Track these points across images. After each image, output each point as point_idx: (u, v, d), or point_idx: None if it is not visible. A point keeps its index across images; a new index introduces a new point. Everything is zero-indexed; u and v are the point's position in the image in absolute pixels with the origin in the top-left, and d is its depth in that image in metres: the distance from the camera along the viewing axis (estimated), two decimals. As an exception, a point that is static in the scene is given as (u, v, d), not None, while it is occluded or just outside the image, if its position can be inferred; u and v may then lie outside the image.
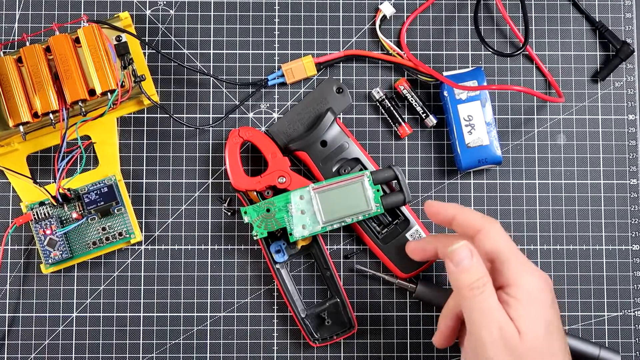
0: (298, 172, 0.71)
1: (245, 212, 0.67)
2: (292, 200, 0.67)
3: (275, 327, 0.71)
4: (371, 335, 0.71)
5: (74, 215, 0.68)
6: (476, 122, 0.70)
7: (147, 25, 0.73)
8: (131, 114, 0.72)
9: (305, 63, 0.72)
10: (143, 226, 0.71)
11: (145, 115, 0.72)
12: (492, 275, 0.58)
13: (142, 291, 0.71)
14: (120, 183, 0.70)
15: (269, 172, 0.69)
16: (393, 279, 0.70)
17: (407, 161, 0.72)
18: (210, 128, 0.72)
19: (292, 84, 0.73)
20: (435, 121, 0.72)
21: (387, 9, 0.73)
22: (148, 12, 0.73)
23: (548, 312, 0.58)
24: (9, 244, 0.71)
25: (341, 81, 0.73)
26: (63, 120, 0.66)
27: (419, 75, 0.72)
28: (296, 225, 0.67)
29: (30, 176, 0.69)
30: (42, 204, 0.69)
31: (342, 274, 0.71)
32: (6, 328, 0.70)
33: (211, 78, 0.72)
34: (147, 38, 0.73)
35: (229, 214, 0.72)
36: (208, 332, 0.71)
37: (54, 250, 0.69)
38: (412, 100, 0.72)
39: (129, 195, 0.71)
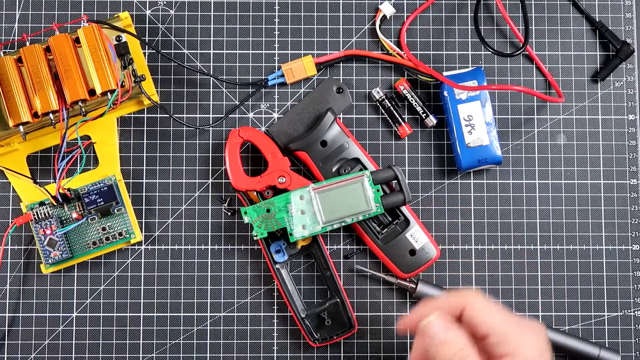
0: (298, 172, 0.71)
1: (246, 213, 0.67)
2: (292, 200, 0.67)
3: (275, 327, 0.71)
4: (371, 335, 0.71)
5: (74, 215, 0.68)
6: (476, 122, 0.70)
7: (147, 25, 0.73)
8: (131, 114, 0.72)
9: (305, 63, 0.72)
10: (143, 226, 0.71)
11: (145, 115, 0.72)
12: (489, 347, 0.55)
13: (142, 291, 0.71)
14: (120, 183, 0.70)
15: (269, 172, 0.69)
16: (393, 279, 0.70)
17: (407, 161, 0.72)
18: (210, 128, 0.72)
19: (292, 84, 0.73)
20: (435, 121, 0.72)
21: (387, 9, 0.73)
22: (148, 12, 0.73)
23: None
24: (9, 244, 0.71)
25: (341, 81, 0.73)
26: (63, 120, 0.66)
27: (419, 75, 0.72)
28: (296, 225, 0.67)
29: (30, 176, 0.69)
30: (42, 204, 0.69)
31: (342, 274, 0.71)
32: (6, 328, 0.70)
33: (211, 78, 0.72)
34: (147, 38, 0.73)
35: (229, 214, 0.72)
36: (208, 332, 0.71)
37: (54, 250, 0.69)
38: (412, 100, 0.72)
39: (129, 195, 0.71)
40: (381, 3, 0.73)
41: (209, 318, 0.71)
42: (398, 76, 0.73)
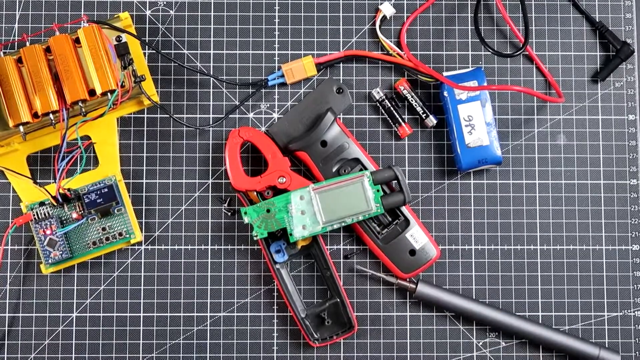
0: (298, 172, 0.71)
1: (246, 213, 0.67)
2: (292, 200, 0.67)
3: (275, 327, 0.71)
4: (371, 335, 0.71)
5: (74, 215, 0.68)
6: (476, 122, 0.70)
7: (147, 26, 0.73)
8: (131, 114, 0.72)
9: (306, 63, 0.72)
10: (143, 226, 0.71)
11: (145, 116, 0.72)
12: None
13: (142, 291, 0.71)
14: (120, 183, 0.70)
15: (269, 172, 0.69)
16: (393, 279, 0.70)
17: (407, 161, 0.72)
18: (210, 128, 0.72)
19: (292, 84, 0.73)
20: (435, 121, 0.72)
21: (387, 10, 0.73)
22: (148, 12, 0.73)
23: None
24: (9, 244, 0.71)
25: (341, 81, 0.73)
26: (63, 120, 0.66)
27: (419, 76, 0.72)
28: (296, 225, 0.67)
29: (30, 176, 0.69)
30: (42, 204, 0.69)
31: (342, 274, 0.71)
32: (6, 328, 0.70)
33: (211, 78, 0.72)
34: (147, 38, 0.73)
35: (229, 214, 0.72)
36: (208, 332, 0.71)
37: (54, 250, 0.69)
38: (412, 100, 0.72)
39: (129, 195, 0.71)
40: (381, 3, 0.73)
41: (209, 318, 0.71)
42: (398, 76, 0.73)
